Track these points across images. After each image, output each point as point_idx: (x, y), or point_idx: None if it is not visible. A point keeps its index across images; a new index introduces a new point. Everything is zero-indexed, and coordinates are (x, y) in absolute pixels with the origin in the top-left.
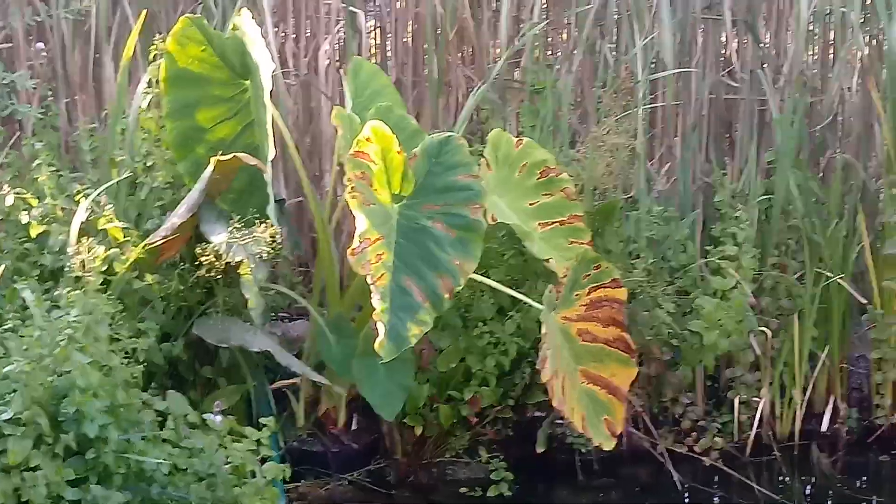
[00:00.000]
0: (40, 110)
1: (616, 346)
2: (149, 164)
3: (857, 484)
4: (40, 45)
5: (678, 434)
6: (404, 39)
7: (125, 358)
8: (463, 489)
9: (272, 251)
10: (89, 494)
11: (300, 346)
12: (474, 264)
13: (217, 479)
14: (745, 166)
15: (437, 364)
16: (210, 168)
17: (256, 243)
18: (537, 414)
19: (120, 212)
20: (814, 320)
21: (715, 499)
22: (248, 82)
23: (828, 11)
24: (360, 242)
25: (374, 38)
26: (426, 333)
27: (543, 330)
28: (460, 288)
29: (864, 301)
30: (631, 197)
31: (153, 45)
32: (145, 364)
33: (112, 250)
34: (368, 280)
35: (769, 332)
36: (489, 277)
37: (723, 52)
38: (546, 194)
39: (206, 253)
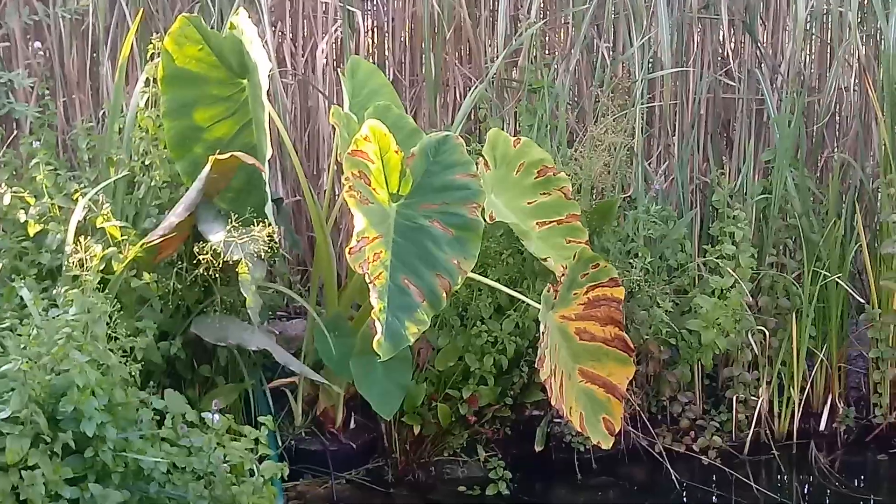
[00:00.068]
0: (38, 109)
1: (614, 344)
2: (146, 163)
3: (855, 483)
4: (38, 44)
5: (676, 433)
6: (402, 39)
7: (123, 356)
8: (461, 488)
9: (270, 250)
10: (87, 493)
11: (298, 344)
12: (472, 263)
13: (215, 477)
14: (743, 165)
15: (434, 363)
16: (208, 167)
17: (254, 242)
18: (535, 413)
19: (118, 211)
20: (812, 319)
21: (713, 497)
22: (245, 81)
23: (825, 11)
24: (358, 241)
25: (372, 38)
26: (424, 332)
27: (541, 329)
28: (458, 287)
29: (862, 300)
30: (629, 196)
31: (151, 44)
32: (143, 363)
33: (110, 249)
34: (366, 279)
35: (767, 331)
36: (487, 276)
37: (720, 51)
38: (544, 193)
39: (204, 252)
